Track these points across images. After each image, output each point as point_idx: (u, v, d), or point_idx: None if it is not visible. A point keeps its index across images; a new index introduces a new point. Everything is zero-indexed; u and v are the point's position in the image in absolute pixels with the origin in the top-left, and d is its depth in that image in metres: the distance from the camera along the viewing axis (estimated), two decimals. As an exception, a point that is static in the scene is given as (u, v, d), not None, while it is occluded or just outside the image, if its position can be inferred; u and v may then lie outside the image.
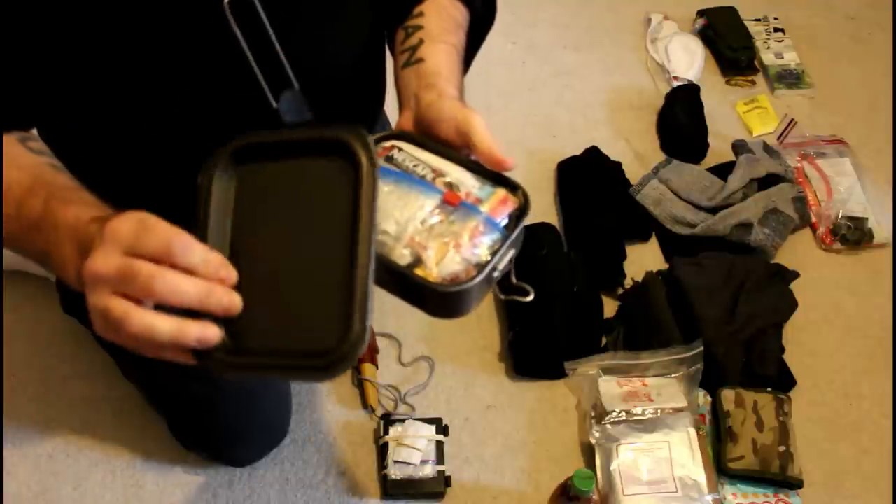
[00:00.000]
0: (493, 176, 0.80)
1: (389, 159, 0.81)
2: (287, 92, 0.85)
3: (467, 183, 0.78)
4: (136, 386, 1.26)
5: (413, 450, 1.23)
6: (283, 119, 0.85)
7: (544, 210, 1.59)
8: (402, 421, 1.27)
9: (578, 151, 1.63)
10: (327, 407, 1.33)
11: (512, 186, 0.79)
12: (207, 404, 1.18)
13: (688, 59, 1.84)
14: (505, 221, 0.77)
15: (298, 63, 0.90)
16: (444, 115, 0.81)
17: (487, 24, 1.08)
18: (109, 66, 0.86)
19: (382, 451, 1.25)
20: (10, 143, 0.83)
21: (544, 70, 1.85)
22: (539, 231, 1.47)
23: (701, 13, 1.93)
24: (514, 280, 0.80)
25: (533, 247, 1.41)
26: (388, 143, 0.81)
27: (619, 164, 1.62)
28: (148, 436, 1.28)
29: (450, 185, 0.78)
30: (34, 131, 0.88)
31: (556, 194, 1.61)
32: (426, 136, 0.83)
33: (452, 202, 0.77)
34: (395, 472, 1.22)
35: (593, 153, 1.62)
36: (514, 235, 0.77)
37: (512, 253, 0.78)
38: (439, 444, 1.25)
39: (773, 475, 1.23)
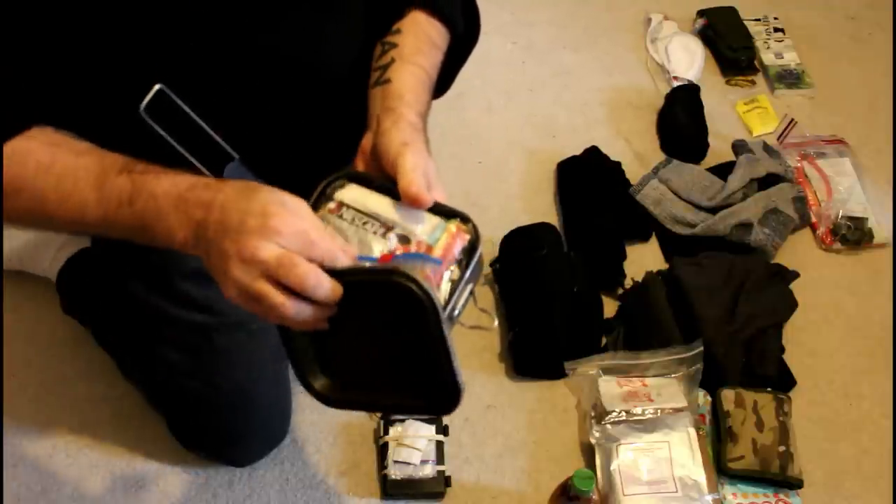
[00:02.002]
0: (446, 210, 0.79)
1: (340, 218, 0.79)
2: (230, 164, 0.89)
3: (417, 231, 0.77)
4: (136, 386, 1.27)
5: (413, 450, 1.23)
6: None
7: (544, 210, 1.59)
8: (402, 421, 1.26)
9: (578, 151, 1.63)
10: (327, 407, 1.33)
11: (463, 218, 0.78)
12: (207, 404, 1.18)
13: (688, 59, 1.84)
14: (459, 258, 0.77)
15: (296, 62, 0.90)
16: (384, 149, 0.81)
17: (470, 44, 1.08)
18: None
19: (382, 451, 1.25)
20: (49, 133, 0.84)
21: (544, 70, 1.85)
22: (539, 231, 1.47)
23: (701, 13, 1.93)
24: (479, 308, 0.80)
25: (533, 247, 1.41)
26: (333, 204, 0.79)
27: (619, 164, 1.62)
28: (148, 436, 1.27)
29: (400, 238, 0.76)
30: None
31: (556, 194, 1.61)
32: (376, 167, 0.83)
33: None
34: (395, 472, 1.22)
35: (593, 153, 1.62)
36: (468, 273, 0.77)
37: (470, 287, 0.77)
38: (439, 444, 1.25)
39: (773, 475, 1.23)
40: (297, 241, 0.70)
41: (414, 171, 0.77)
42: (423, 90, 0.93)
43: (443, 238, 0.76)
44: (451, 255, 0.76)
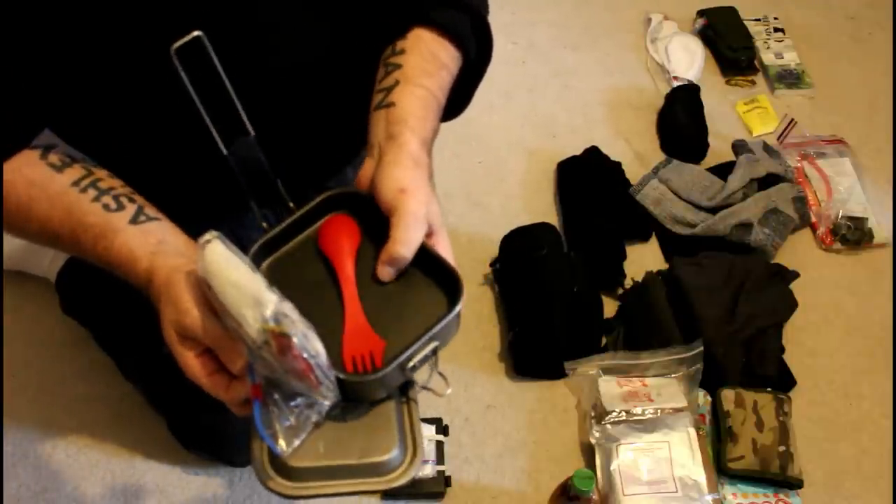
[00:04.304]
0: (437, 264, 0.76)
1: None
2: (241, 139, 0.84)
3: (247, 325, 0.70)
4: (136, 386, 1.26)
5: (413, 450, 1.23)
6: (232, 167, 0.84)
7: (544, 210, 1.59)
8: (403, 421, 1.26)
9: (578, 151, 1.63)
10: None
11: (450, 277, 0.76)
12: (208, 404, 1.18)
13: (688, 59, 1.84)
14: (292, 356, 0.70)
15: (280, 60, 0.89)
16: (381, 190, 0.79)
17: (483, 66, 1.04)
18: (70, 100, 0.85)
19: (382, 451, 1.25)
20: (32, 164, 0.82)
21: (544, 70, 1.85)
22: (539, 231, 1.47)
23: (701, 13, 1.93)
24: (438, 370, 0.77)
25: (533, 247, 1.41)
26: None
27: (619, 164, 1.62)
28: (148, 436, 1.28)
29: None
30: (52, 138, 0.87)
31: (556, 194, 1.61)
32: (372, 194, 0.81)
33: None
34: (395, 473, 1.22)
35: (593, 153, 1.62)
36: (434, 330, 0.73)
37: (434, 345, 0.74)
38: (439, 444, 1.25)
39: (773, 475, 1.23)
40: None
41: (406, 230, 0.76)
42: (429, 114, 0.88)
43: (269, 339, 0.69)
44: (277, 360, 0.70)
